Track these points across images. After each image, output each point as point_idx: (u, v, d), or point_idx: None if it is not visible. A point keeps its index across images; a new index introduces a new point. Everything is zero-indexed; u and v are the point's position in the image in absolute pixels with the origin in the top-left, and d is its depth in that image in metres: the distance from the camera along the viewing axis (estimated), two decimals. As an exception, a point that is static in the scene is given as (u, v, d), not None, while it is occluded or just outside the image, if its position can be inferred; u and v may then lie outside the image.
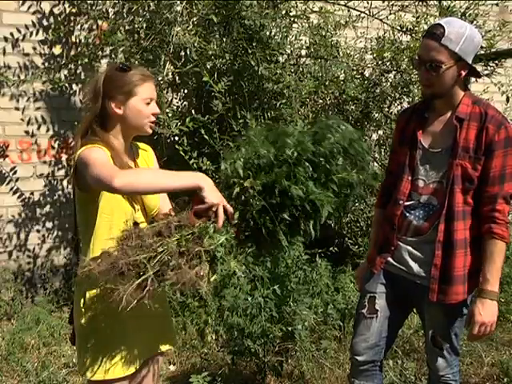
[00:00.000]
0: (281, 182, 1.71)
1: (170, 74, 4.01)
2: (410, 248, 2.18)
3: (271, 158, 1.74)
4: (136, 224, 1.80)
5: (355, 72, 4.26)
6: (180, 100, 4.46)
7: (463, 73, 2.05)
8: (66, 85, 4.13)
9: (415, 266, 2.16)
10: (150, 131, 1.93)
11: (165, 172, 1.73)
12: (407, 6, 4.18)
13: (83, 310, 1.86)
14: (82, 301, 1.86)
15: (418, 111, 2.24)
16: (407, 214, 2.17)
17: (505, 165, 2.04)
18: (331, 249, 4.09)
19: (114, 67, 1.89)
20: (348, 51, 4.37)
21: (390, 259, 2.23)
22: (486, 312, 2.04)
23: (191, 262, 1.60)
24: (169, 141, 4.15)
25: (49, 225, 4.28)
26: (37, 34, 4.07)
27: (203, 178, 1.71)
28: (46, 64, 4.11)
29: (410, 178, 2.17)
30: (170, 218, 1.68)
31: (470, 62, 2.04)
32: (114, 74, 1.86)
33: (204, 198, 1.68)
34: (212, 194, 1.69)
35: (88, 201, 1.85)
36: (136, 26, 4.05)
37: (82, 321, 1.86)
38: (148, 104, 1.88)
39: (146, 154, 2.08)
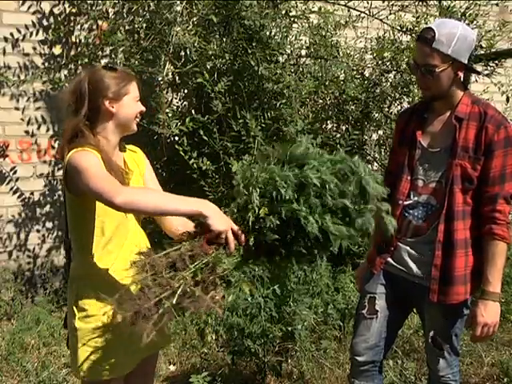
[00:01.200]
0: (297, 214, 1.66)
1: (169, 73, 4.01)
2: (409, 248, 2.18)
3: (290, 194, 1.68)
4: (148, 250, 1.76)
5: (355, 72, 4.26)
6: (180, 100, 4.46)
7: (460, 73, 2.05)
8: (66, 85, 4.12)
9: (415, 267, 2.16)
10: (136, 129, 1.95)
11: (170, 195, 1.70)
12: (407, 6, 4.18)
13: (76, 311, 1.86)
14: (75, 302, 1.86)
15: (417, 112, 2.24)
16: (406, 214, 2.17)
17: (505, 165, 2.03)
18: (331, 249, 4.08)
19: (101, 67, 1.90)
20: (348, 51, 4.36)
21: (389, 260, 2.23)
22: (489, 313, 2.04)
23: (207, 290, 1.60)
24: (169, 141, 4.15)
25: (49, 225, 4.28)
26: (37, 34, 4.07)
27: (208, 205, 1.67)
28: (46, 64, 4.10)
29: (409, 177, 2.17)
30: (183, 249, 1.65)
31: (466, 61, 2.03)
32: (103, 73, 1.86)
33: (210, 226, 1.64)
34: (218, 221, 1.64)
35: (79, 203, 1.83)
36: (136, 26, 4.05)
37: (75, 322, 1.85)
38: (136, 102, 1.92)
39: (136, 155, 2.06)
